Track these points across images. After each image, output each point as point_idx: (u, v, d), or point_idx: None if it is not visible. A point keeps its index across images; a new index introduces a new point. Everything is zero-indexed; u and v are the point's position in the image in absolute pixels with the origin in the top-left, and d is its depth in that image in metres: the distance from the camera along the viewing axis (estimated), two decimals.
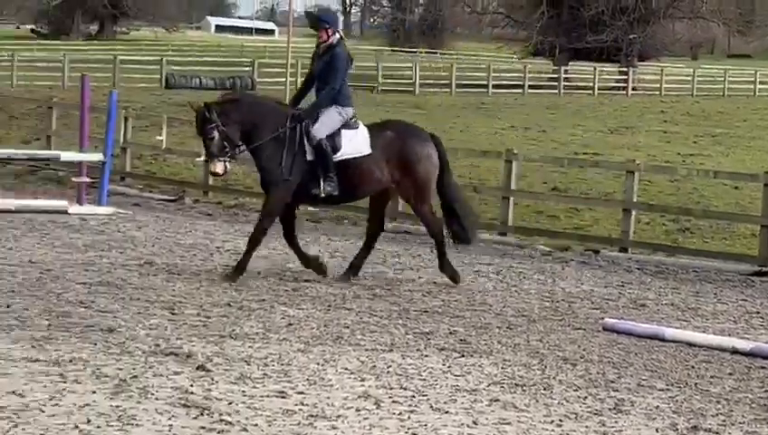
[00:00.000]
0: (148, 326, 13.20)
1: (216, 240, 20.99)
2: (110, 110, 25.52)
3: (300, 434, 9.36)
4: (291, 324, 13.95)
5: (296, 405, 10.07)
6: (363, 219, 24.18)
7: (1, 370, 10.64)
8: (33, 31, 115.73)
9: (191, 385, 10.53)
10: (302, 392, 10.55)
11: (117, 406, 9.61)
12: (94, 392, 10.08)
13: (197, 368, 11.22)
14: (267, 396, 10.33)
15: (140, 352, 11.81)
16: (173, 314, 14.16)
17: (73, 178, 25.96)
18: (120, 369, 10.96)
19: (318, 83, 16.79)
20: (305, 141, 16.28)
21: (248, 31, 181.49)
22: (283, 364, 11.70)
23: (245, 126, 16.28)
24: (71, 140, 31.60)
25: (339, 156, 16.52)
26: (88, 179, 25.11)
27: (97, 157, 25.08)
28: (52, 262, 17.22)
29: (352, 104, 17.36)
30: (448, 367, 12.25)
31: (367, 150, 16.70)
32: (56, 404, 9.61)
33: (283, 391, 10.53)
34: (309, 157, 16.31)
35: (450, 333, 14.26)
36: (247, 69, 79.62)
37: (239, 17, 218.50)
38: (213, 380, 10.82)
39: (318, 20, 16.92)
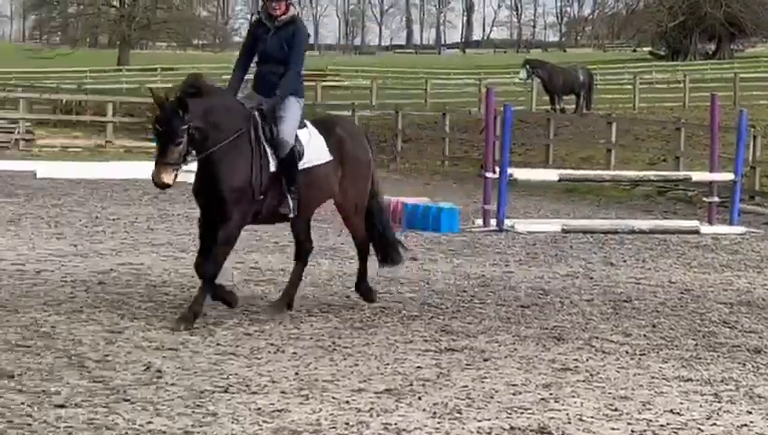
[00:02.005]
0: None
1: None
2: (740, 129, 25.42)
3: None
4: None
5: None
6: None
7: (656, 388, 10.74)
8: (650, 53, 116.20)
9: None
10: None
11: None
12: (750, 413, 10.00)
13: None
14: None
15: None
16: None
17: (704, 199, 26.00)
18: None
19: (268, 65, 13.25)
20: (267, 147, 12.83)
21: None
22: None
23: (207, 126, 12.46)
24: (697, 161, 31.61)
25: (303, 163, 13.25)
26: (718, 199, 25.11)
27: (727, 176, 25.05)
28: (691, 282, 17.25)
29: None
30: None
31: (328, 156, 13.50)
32: (713, 424, 9.62)
33: None
34: (272, 167, 12.86)
35: None
36: None
37: None
38: None
39: None
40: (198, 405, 9.64)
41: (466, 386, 10.51)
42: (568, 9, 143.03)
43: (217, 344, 11.90)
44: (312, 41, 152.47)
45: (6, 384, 10.02)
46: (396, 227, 22.66)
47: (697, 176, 26.30)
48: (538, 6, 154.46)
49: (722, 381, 11.10)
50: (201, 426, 9.10)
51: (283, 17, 12.98)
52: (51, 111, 51.83)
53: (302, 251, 14.13)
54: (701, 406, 10.15)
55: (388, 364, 11.30)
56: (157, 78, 77.36)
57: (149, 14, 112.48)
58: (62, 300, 14.09)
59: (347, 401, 9.90)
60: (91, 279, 15.57)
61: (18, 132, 44.53)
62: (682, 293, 16.22)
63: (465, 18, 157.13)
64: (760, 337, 13.32)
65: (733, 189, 24.66)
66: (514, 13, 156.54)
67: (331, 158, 13.46)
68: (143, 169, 32.11)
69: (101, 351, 11.39)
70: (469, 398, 10.13)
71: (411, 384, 10.54)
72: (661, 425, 9.51)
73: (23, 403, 9.51)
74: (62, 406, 9.47)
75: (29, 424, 8.96)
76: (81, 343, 11.71)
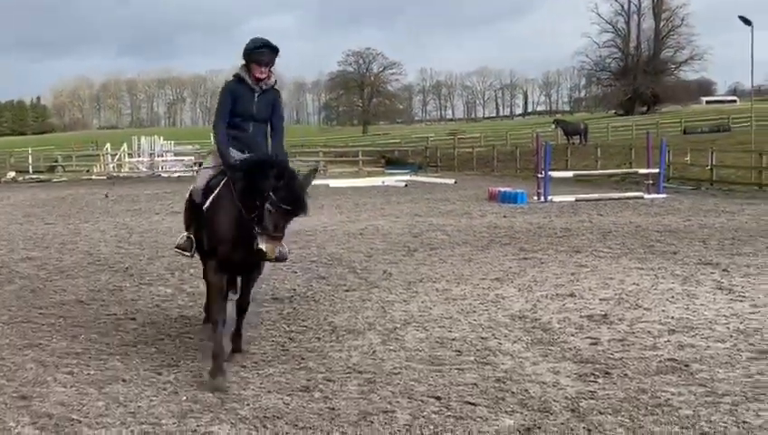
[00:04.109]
0: None
1: None
2: (662, 148, 24.33)
3: None
4: None
5: None
6: None
7: (625, 273, 10.36)
8: (615, 113, 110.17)
9: None
10: None
11: None
12: (672, 283, 9.59)
13: None
14: None
15: None
16: None
17: (645, 181, 25.00)
18: None
19: (256, 124, 6.86)
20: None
21: None
22: None
23: None
24: (641, 163, 30.34)
25: None
26: (652, 181, 24.18)
27: (656, 170, 23.99)
28: (640, 221, 16.52)
29: None
30: None
31: None
32: (654, 288, 9.27)
33: None
34: None
35: None
36: None
37: None
38: None
39: (275, 52, 6.79)
40: (408, 288, 9.67)
41: (533, 276, 10.39)
42: (573, 94, 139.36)
43: (416, 260, 11.95)
44: (450, 115, 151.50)
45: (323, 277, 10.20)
46: (495, 201, 22.47)
47: (641, 170, 25.51)
48: (559, 93, 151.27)
49: (658, 268, 10.77)
50: (410, 296, 9.14)
51: (269, 81, 6.82)
52: (334, 156, 51.82)
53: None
54: (648, 281, 9.89)
55: (496, 266, 11.22)
56: (374, 139, 77.48)
57: (382, 108, 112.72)
58: (345, 241, 14.14)
59: (477, 284, 9.85)
60: (361, 232, 15.63)
61: (320, 165, 45.11)
62: (636, 227, 15.78)
63: (524, 101, 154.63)
64: (676, 247, 12.87)
65: (658, 176, 23.89)
66: (547, 98, 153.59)
67: None
68: (377, 182, 32.61)
69: (363, 264, 11.51)
70: (535, 281, 10.01)
71: (507, 275, 10.45)
72: (629, 290, 9.30)
73: (326, 290, 9.71)
74: (347, 290, 9.56)
75: (351, 286, 9.19)
76: (352, 261, 11.87)
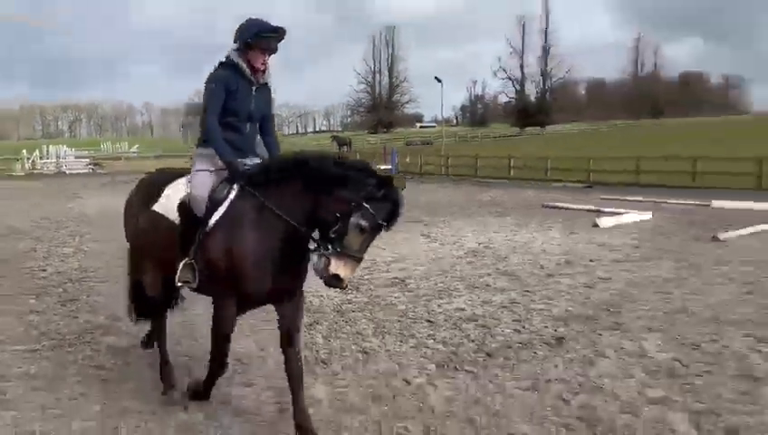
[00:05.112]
0: None
1: None
2: (393, 155, 25.04)
3: None
4: None
5: None
6: None
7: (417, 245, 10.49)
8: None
9: None
10: None
11: None
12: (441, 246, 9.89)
13: None
14: None
15: None
16: None
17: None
18: None
19: (251, 125, 3.16)
20: None
21: None
22: None
23: None
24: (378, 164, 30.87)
25: None
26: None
27: (389, 167, 24.60)
28: None
29: None
30: None
31: None
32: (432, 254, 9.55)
33: None
34: None
35: None
36: None
37: None
38: None
39: (283, 36, 2.86)
40: None
41: None
42: (344, 120, 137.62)
43: None
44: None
45: None
46: None
47: (382, 166, 25.63)
48: (335, 119, 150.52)
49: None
50: None
51: (266, 75, 3.28)
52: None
53: None
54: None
55: None
56: None
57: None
58: None
59: None
60: None
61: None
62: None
63: (314, 123, 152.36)
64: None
65: (392, 171, 24.61)
66: (328, 121, 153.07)
67: None
68: None
69: None
70: None
71: None
72: None
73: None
74: None
75: None
76: None
